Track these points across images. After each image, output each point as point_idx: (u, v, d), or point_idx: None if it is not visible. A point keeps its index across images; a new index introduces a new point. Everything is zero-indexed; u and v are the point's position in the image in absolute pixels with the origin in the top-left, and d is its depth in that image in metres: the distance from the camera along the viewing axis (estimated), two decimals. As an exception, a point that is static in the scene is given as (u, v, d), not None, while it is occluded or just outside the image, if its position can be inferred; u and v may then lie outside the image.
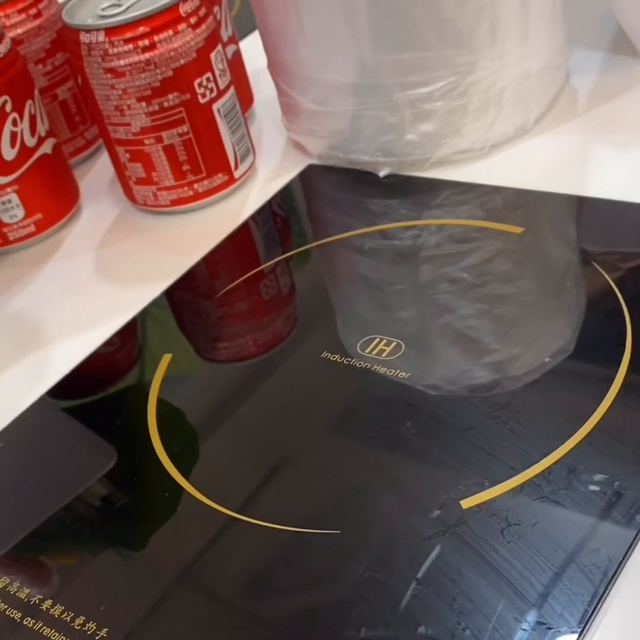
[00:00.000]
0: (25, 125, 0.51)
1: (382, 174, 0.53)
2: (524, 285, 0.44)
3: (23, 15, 0.56)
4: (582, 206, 0.48)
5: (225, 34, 0.58)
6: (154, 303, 0.50)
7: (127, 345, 0.48)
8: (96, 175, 0.61)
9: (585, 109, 0.55)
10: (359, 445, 0.38)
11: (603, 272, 0.43)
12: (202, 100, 0.50)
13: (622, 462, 0.34)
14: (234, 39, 0.59)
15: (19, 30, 0.56)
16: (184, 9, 0.48)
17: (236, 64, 0.59)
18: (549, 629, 0.30)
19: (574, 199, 0.48)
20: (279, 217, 0.55)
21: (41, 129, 0.53)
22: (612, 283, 0.42)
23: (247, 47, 0.63)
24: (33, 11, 0.56)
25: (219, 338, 0.48)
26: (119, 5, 0.49)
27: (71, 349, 0.48)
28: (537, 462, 0.35)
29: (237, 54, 0.60)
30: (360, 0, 0.46)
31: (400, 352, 0.41)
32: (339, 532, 0.34)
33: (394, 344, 0.42)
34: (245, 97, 0.61)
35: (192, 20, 0.49)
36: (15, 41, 0.55)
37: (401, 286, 0.47)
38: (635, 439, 0.35)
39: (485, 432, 0.37)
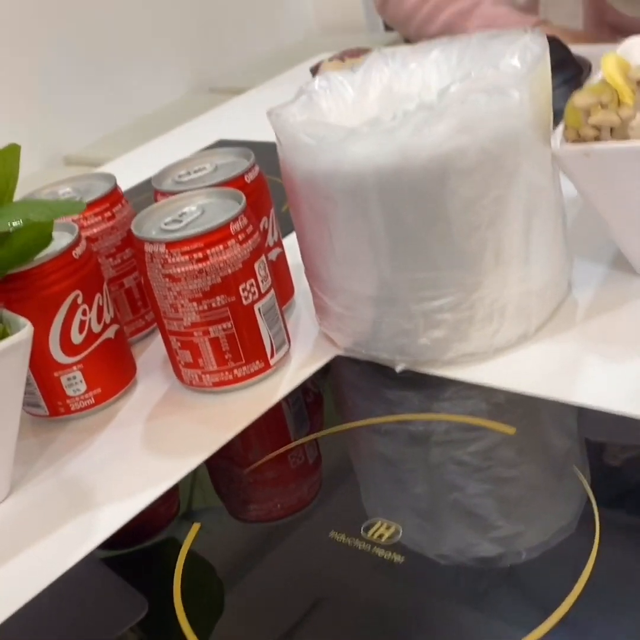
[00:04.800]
0: (93, 314, 0.60)
1: (398, 369, 0.60)
2: (506, 481, 0.50)
3: (99, 218, 0.65)
4: (570, 413, 0.54)
5: (271, 240, 0.67)
6: (194, 472, 0.57)
7: (168, 509, 0.55)
8: (152, 352, 0.69)
9: (583, 320, 0.61)
10: (355, 625, 0.44)
11: (581, 476, 0.49)
12: (245, 302, 0.58)
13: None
14: (279, 243, 0.68)
15: (95, 230, 0.65)
16: (233, 227, 0.57)
17: (280, 263, 0.68)
18: None
19: (564, 405, 0.55)
20: (308, 400, 0.62)
21: (107, 317, 0.61)
22: (588, 487, 0.48)
23: (293, 242, 0.71)
24: (108, 214, 0.66)
25: (249, 502, 0.55)
26: (180, 221, 0.58)
27: (117, 512, 0.55)
28: (505, 650, 0.40)
29: (282, 255, 0.69)
30: (382, 230, 0.55)
31: (398, 537, 0.47)
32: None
33: (393, 528, 0.48)
34: (286, 290, 0.69)
35: (240, 237, 0.57)
36: (90, 239, 0.64)
37: (414, 466, 0.54)
38: (595, 633, 0.40)
39: (461, 620, 0.43)
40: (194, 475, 0.57)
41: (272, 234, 0.67)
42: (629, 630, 0.40)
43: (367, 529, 0.49)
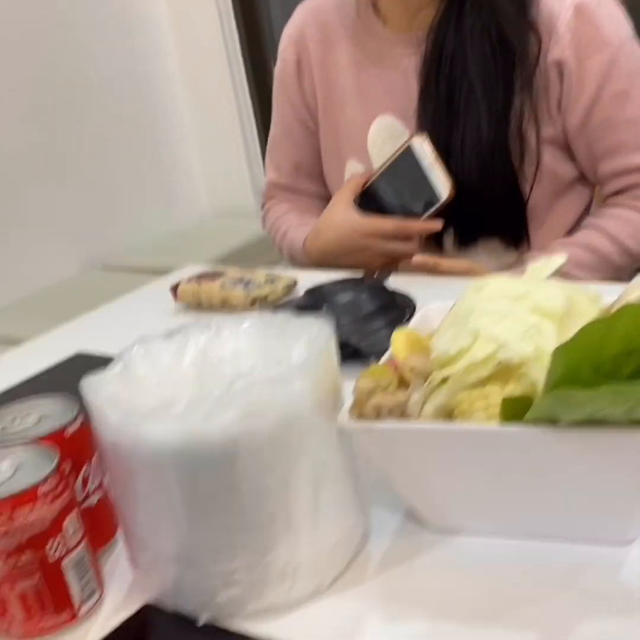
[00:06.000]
0: None
1: (200, 622, 0.64)
2: None
3: None
4: None
5: (91, 486, 0.70)
6: None
7: None
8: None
9: (374, 574, 0.66)
10: None
11: None
12: (52, 559, 0.62)
13: None
14: (101, 486, 0.72)
15: None
16: (42, 490, 0.61)
17: (101, 506, 0.72)
18: None
19: None
20: None
21: None
22: None
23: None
24: None
25: None
26: (-8, 480, 0.62)
27: None
28: None
29: (103, 497, 0.72)
30: (179, 501, 0.59)
31: None
32: None
33: None
34: (107, 531, 0.72)
35: (49, 497, 0.61)
36: None
37: None
38: None
39: None
40: None
41: (93, 481, 0.71)
42: None
43: None
